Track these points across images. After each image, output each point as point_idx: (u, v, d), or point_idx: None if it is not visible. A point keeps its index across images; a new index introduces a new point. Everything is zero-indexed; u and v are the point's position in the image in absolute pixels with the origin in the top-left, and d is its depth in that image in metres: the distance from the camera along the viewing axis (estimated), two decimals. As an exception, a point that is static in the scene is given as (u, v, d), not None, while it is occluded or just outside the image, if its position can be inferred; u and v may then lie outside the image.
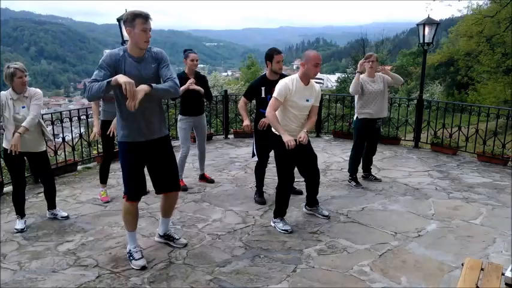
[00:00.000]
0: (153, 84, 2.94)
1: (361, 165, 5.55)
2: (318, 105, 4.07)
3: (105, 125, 4.62)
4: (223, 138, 8.32)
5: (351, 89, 5.18)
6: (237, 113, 8.65)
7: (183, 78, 4.88)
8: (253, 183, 5.42)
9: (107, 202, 4.76)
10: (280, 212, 4.09)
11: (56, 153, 5.91)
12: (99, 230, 4.05)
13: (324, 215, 4.30)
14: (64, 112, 6.07)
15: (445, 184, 5.43)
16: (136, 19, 2.95)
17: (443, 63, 26.99)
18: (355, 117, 5.38)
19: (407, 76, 37.41)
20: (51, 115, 5.82)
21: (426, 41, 7.24)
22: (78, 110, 6.40)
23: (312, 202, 4.37)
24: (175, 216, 4.33)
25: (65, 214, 4.35)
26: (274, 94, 3.83)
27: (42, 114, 5.72)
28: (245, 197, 4.97)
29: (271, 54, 4.42)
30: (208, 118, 8.84)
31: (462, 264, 2.45)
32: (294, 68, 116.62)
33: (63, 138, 6.04)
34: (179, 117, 5.22)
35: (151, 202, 4.70)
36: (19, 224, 4.06)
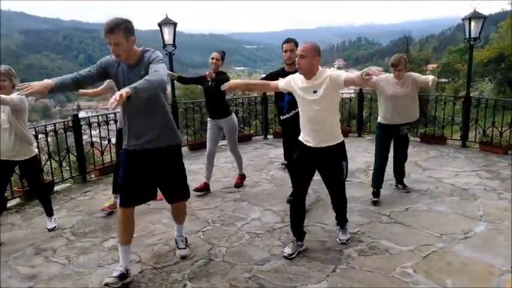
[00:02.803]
0: (134, 85, 2.55)
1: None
2: (342, 76, 3.15)
3: (120, 133, 4.20)
4: (262, 139, 8.33)
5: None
6: (276, 113, 8.63)
7: (201, 77, 5.16)
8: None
9: (104, 211, 4.56)
10: (292, 231, 3.63)
11: (102, 154, 6.15)
12: (142, 227, 4.17)
13: (340, 240, 3.72)
14: (110, 115, 6.28)
15: (495, 184, 5.16)
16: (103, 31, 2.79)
17: (493, 60, 25.77)
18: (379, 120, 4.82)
19: (454, 74, 36.01)
20: (98, 117, 6.06)
21: (472, 36, 6.94)
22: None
23: (337, 220, 3.85)
24: (215, 214, 4.40)
25: (52, 226, 4.18)
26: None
27: (89, 117, 5.98)
28: (284, 196, 4.93)
29: (282, 44, 4.25)
30: (248, 120, 8.90)
31: (513, 267, 2.32)
32: (336, 68, 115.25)
33: (109, 140, 6.26)
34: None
35: (192, 201, 4.78)
36: None
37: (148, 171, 3.09)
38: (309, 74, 3.24)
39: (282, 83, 3.53)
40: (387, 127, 4.68)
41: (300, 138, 3.47)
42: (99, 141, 6.33)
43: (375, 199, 4.63)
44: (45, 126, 5.48)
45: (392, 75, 4.58)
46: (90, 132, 6.16)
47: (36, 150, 4.18)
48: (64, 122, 5.73)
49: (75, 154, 5.81)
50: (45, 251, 3.71)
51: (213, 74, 4.91)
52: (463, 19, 7.00)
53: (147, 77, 2.67)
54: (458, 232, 3.84)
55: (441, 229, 3.91)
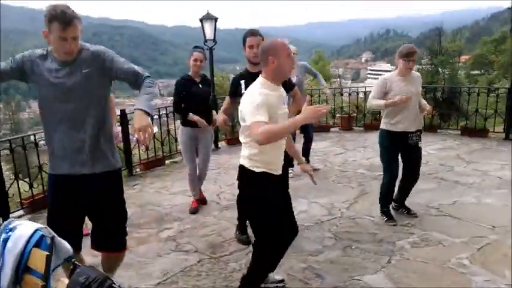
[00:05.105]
0: (146, 105, 2.24)
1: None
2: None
3: None
4: (299, 133, 8.35)
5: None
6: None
7: (186, 81, 4.28)
8: (335, 177, 5.46)
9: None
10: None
11: (147, 149, 6.35)
12: (194, 218, 4.31)
13: (274, 281, 3.01)
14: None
15: (545, 177, 5.06)
16: (54, 22, 2.14)
17: (531, 50, 24.84)
18: (383, 127, 3.98)
19: (487, 65, 34.96)
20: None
21: (518, 25, 6.77)
22: (158, 109, 6.66)
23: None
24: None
25: None
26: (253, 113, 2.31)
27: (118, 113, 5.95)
28: (327, 190, 4.99)
29: (244, 37, 3.32)
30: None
31: None
32: (363, 60, 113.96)
33: (154, 135, 6.44)
34: (180, 127, 4.49)
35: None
36: None
37: (76, 208, 2.43)
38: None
39: (263, 112, 2.33)
40: (394, 135, 3.88)
41: (262, 169, 2.51)
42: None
43: (390, 220, 4.01)
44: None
45: (393, 73, 3.88)
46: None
47: None
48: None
49: (122, 149, 6.00)
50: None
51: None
52: (510, 8, 6.83)
53: (147, 90, 2.33)
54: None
55: (493, 222, 3.89)
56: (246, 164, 2.55)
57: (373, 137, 7.54)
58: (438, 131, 7.95)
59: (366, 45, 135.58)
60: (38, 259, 1.80)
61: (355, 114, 8.60)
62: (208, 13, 6.88)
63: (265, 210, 2.54)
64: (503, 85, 20.74)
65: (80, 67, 2.29)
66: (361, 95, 8.70)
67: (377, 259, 3.32)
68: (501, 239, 3.54)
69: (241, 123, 2.53)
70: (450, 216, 4.09)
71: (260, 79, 2.53)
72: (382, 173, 5.03)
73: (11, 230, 1.88)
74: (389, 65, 78.38)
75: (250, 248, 3.57)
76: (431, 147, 6.63)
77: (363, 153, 6.60)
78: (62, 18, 2.13)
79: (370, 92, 7.03)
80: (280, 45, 2.47)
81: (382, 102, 3.76)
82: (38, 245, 1.83)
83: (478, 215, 4.05)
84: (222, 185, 5.27)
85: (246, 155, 2.55)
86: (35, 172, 4.85)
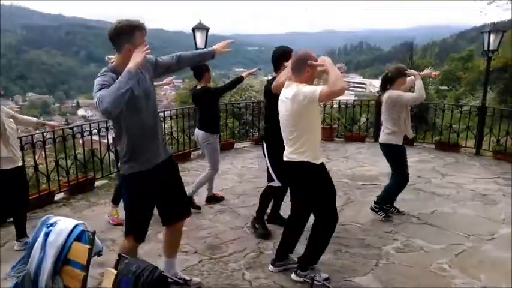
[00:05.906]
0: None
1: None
2: None
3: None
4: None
5: (422, 96, 4.28)
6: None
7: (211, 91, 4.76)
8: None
9: (118, 224, 4.36)
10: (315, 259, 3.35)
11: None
12: (189, 221, 4.39)
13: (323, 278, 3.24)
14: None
15: (513, 191, 5.49)
16: (136, 31, 2.44)
17: (496, 69, 26.06)
18: (394, 141, 4.47)
19: (455, 81, 36.44)
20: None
21: (491, 48, 7.29)
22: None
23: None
24: (254, 211, 4.67)
25: (18, 249, 3.94)
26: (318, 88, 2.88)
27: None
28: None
29: (289, 53, 3.73)
30: (258, 124, 9.14)
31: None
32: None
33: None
34: (210, 137, 4.73)
35: (229, 199, 5.10)
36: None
37: (157, 192, 2.82)
38: None
39: None
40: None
41: (320, 160, 3.09)
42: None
43: (388, 218, 4.50)
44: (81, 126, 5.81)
45: (397, 91, 4.33)
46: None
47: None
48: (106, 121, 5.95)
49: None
50: (105, 241, 3.98)
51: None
52: (482, 32, 7.35)
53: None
54: (485, 234, 4.16)
55: (468, 230, 4.23)
56: (306, 159, 2.99)
57: (353, 148, 7.93)
58: (414, 144, 8.37)
59: (340, 57, 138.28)
60: (79, 252, 1.97)
61: (336, 126, 8.94)
62: (200, 22, 7.07)
63: (331, 191, 3.16)
64: (469, 101, 21.81)
65: (141, 72, 2.54)
66: (335, 106, 9.16)
67: (365, 262, 3.60)
68: (476, 247, 3.89)
69: (289, 126, 3.01)
70: (430, 224, 4.42)
71: (295, 84, 2.98)
72: (364, 183, 5.35)
73: (51, 224, 2.04)
74: (361, 77, 79.78)
75: (248, 249, 3.80)
76: (409, 160, 6.96)
77: (346, 163, 6.91)
78: (141, 24, 2.46)
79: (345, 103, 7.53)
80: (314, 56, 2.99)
81: (418, 82, 4.31)
82: (78, 239, 2.00)
83: (454, 224, 4.40)
84: (214, 190, 5.44)
85: (303, 150, 2.99)
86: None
